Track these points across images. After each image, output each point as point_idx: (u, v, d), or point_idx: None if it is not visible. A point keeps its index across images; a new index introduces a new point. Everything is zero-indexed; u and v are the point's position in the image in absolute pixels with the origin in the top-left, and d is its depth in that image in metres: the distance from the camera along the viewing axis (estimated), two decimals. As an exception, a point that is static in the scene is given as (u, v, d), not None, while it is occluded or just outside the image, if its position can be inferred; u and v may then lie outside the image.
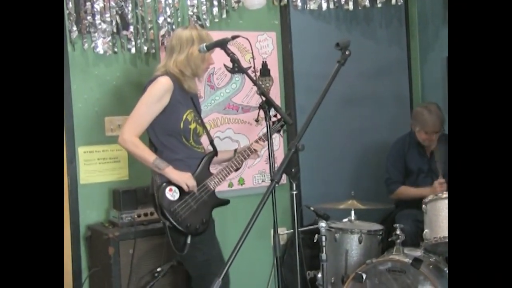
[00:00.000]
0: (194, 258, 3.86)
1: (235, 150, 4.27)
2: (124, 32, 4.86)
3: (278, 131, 4.25)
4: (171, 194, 3.83)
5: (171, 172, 3.82)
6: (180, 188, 3.85)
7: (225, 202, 4.10)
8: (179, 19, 5.08)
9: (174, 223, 3.80)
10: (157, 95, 3.82)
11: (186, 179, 3.84)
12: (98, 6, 4.73)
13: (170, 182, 3.83)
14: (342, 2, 5.59)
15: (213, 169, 4.16)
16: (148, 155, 3.83)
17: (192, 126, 3.95)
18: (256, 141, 4.20)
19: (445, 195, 4.42)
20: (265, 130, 3.59)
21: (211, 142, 4.18)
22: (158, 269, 4.34)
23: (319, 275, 4.41)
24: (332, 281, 4.49)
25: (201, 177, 3.95)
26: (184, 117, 3.90)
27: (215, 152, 4.12)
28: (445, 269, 4.28)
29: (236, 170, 4.17)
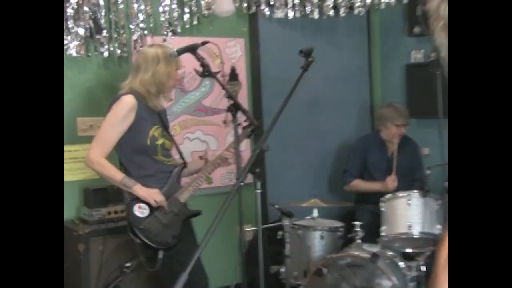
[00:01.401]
0: (171, 269, 3.74)
1: (206, 160, 4.22)
2: (97, 36, 4.80)
3: (248, 136, 4.20)
4: (140, 211, 3.75)
5: (139, 190, 3.74)
6: (149, 205, 3.78)
7: (196, 213, 4.04)
8: (151, 25, 5.06)
9: (145, 240, 3.73)
10: (122, 114, 3.73)
11: (152, 195, 3.76)
12: (72, 10, 4.66)
13: (139, 199, 3.76)
14: (308, 11, 5.62)
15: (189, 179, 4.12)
16: (115, 175, 3.75)
17: (160, 141, 3.86)
18: (227, 149, 4.16)
19: (402, 194, 4.56)
20: (233, 132, 3.61)
21: (180, 155, 4.13)
22: (127, 265, 4.26)
23: (283, 269, 4.45)
24: (295, 275, 4.49)
25: (171, 191, 3.88)
26: (151, 133, 3.81)
27: (184, 165, 4.06)
28: (401, 263, 4.32)
29: (207, 179, 4.13)
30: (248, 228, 4.92)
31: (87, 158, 3.79)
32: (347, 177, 5.46)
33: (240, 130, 4.05)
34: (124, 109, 3.72)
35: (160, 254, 3.73)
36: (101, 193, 4.65)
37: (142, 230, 3.73)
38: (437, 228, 4.42)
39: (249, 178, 3.08)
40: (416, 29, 5.77)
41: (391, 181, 5.07)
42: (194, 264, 2.76)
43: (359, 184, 5.37)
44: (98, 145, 3.75)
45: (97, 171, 3.81)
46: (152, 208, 3.78)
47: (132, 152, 3.82)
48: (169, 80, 3.85)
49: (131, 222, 3.75)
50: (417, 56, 5.99)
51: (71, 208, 4.84)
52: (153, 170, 3.86)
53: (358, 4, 5.69)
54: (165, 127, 4.00)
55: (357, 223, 4.41)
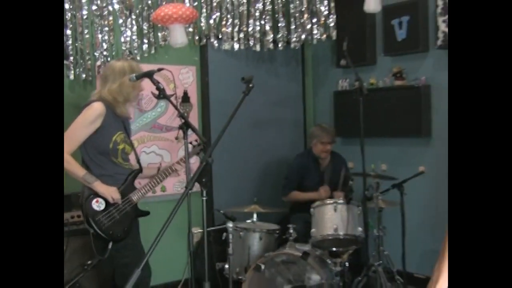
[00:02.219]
0: (117, 260, 3.76)
1: (159, 168, 4.19)
2: (65, 62, 4.73)
3: (197, 154, 4.20)
4: (97, 205, 3.70)
5: (99, 186, 3.69)
6: (106, 200, 3.73)
7: (145, 213, 4.01)
8: (114, 53, 5.02)
9: (98, 231, 3.69)
10: (90, 118, 3.67)
11: (111, 192, 3.72)
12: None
13: (97, 195, 3.70)
14: (251, 44, 5.63)
15: (140, 183, 4.06)
16: (78, 170, 3.67)
17: (121, 146, 3.82)
18: (178, 162, 4.12)
19: (329, 201, 4.60)
20: (184, 147, 3.58)
21: (138, 161, 4.07)
22: (88, 262, 4.21)
23: (226, 266, 4.41)
24: (237, 271, 4.49)
25: (126, 191, 3.83)
26: (114, 138, 3.76)
27: (140, 170, 4.01)
28: (328, 260, 4.37)
29: (157, 184, 4.08)
30: (196, 230, 4.95)
31: None
32: (286, 189, 5.41)
33: (190, 147, 4.05)
34: (94, 114, 3.67)
35: (110, 245, 3.69)
36: (65, 199, 4.43)
37: (96, 222, 3.68)
38: (359, 230, 4.47)
39: (197, 187, 3.07)
40: (342, 62, 5.78)
41: (324, 191, 5.11)
42: (141, 259, 2.77)
43: (296, 195, 5.33)
44: (66, 142, 3.64)
45: None
46: (107, 204, 3.73)
47: (95, 153, 3.75)
48: (134, 90, 3.80)
49: (87, 214, 3.69)
50: (343, 84, 6.03)
51: None
52: (112, 171, 3.80)
53: (293, 39, 5.76)
54: (127, 134, 3.94)
55: (291, 226, 4.47)
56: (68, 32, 4.71)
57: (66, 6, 4.71)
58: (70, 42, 4.73)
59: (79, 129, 3.69)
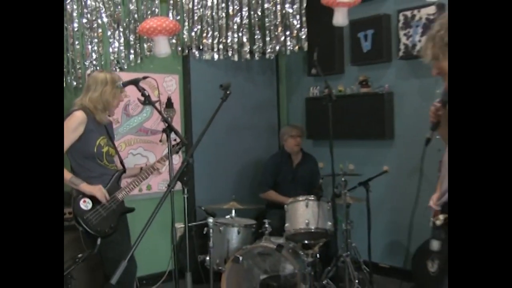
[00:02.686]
0: (106, 254, 3.74)
1: (141, 168, 4.16)
2: None
3: (177, 152, 4.20)
4: (85, 205, 3.66)
5: (84, 186, 3.66)
6: (92, 200, 3.70)
7: (131, 210, 3.97)
8: (102, 62, 5.00)
9: (86, 228, 3.66)
10: (73, 126, 3.62)
11: (96, 190, 3.69)
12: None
13: (84, 195, 3.67)
14: (230, 55, 5.63)
15: (124, 182, 4.05)
16: (65, 175, 3.64)
17: (105, 149, 3.78)
18: (158, 161, 4.10)
19: (301, 198, 4.57)
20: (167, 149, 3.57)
21: (121, 162, 4.05)
22: (79, 256, 4.16)
23: (207, 258, 4.38)
24: (217, 262, 4.46)
25: (112, 190, 3.79)
26: (97, 142, 3.73)
27: (124, 170, 3.99)
28: (301, 252, 4.36)
29: (140, 182, 4.04)
30: (179, 225, 4.93)
31: None
32: (262, 187, 5.41)
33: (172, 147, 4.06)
34: (75, 122, 3.63)
35: (98, 241, 3.65)
36: None
37: (84, 220, 3.65)
38: (328, 224, 4.46)
39: (179, 186, 3.07)
40: (313, 71, 5.71)
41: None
42: (127, 252, 2.78)
43: (271, 195, 5.34)
44: None
45: None
46: (94, 203, 3.70)
47: (81, 157, 3.72)
48: (114, 99, 3.77)
49: (76, 213, 3.67)
50: (314, 91, 6.05)
51: None
52: (98, 172, 3.77)
53: (268, 50, 5.77)
54: (110, 137, 3.92)
55: (266, 221, 4.42)
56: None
57: None
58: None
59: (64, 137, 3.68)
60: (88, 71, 4.84)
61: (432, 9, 4.86)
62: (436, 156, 2.74)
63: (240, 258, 4.17)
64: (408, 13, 5.06)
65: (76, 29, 4.80)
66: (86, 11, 4.87)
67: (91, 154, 3.72)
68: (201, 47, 5.50)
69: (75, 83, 4.79)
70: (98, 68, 4.88)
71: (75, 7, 4.79)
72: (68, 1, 4.74)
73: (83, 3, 4.85)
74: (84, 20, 4.86)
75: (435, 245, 2.35)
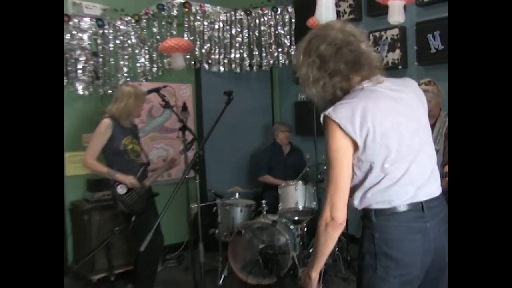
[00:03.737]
0: (138, 229, 3.75)
1: (164, 160, 4.16)
2: (96, 82, 4.76)
3: (191, 147, 4.14)
4: (120, 190, 3.70)
5: (119, 176, 3.70)
6: (126, 186, 3.74)
7: (156, 194, 3.99)
8: (132, 75, 5.01)
9: (123, 208, 3.71)
10: (102, 131, 3.68)
11: (129, 179, 3.73)
12: (80, 65, 4.64)
13: (120, 183, 3.72)
14: (233, 67, 5.57)
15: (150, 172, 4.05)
16: (102, 169, 3.70)
17: (129, 147, 3.78)
18: (174, 155, 4.13)
19: (292, 183, 4.57)
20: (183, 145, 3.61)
21: (146, 156, 4.05)
22: (116, 229, 4.21)
23: (216, 231, 4.45)
24: (224, 235, 4.48)
25: (140, 179, 3.83)
26: (123, 142, 3.75)
27: (148, 163, 4.01)
28: (291, 226, 4.37)
29: (163, 173, 4.06)
30: (193, 205, 4.98)
31: (83, 162, 3.75)
32: (260, 172, 5.35)
33: (186, 143, 4.11)
34: (103, 128, 3.68)
35: (133, 218, 3.72)
36: (97, 183, 4.58)
37: (121, 202, 3.70)
38: (313, 204, 4.47)
39: (193, 173, 3.11)
40: None
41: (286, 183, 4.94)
42: (154, 234, 2.81)
43: (268, 178, 5.28)
44: (89, 151, 3.70)
45: (90, 169, 3.79)
46: (128, 189, 3.74)
47: (112, 154, 3.74)
48: (135, 110, 3.80)
49: (114, 196, 3.71)
50: (301, 97, 5.85)
51: (79, 192, 4.77)
52: (127, 166, 3.79)
53: (264, 64, 5.70)
54: (135, 137, 3.92)
55: (263, 201, 4.47)
56: (100, 60, 4.75)
57: (98, 41, 4.73)
58: (100, 66, 4.76)
59: (96, 140, 3.71)
60: (120, 82, 4.86)
61: (395, 31, 4.87)
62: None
63: (243, 231, 4.21)
64: (377, 34, 5.07)
65: (111, 49, 4.84)
66: (119, 34, 4.89)
67: (119, 152, 3.74)
68: (209, 62, 5.47)
69: (110, 92, 4.81)
70: (128, 79, 4.89)
71: (111, 31, 4.83)
72: (106, 27, 4.78)
73: (117, 28, 4.89)
74: (118, 41, 4.89)
75: None
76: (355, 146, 1.74)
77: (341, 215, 1.75)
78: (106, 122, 3.71)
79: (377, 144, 1.73)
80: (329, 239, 1.79)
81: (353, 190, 1.83)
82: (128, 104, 3.73)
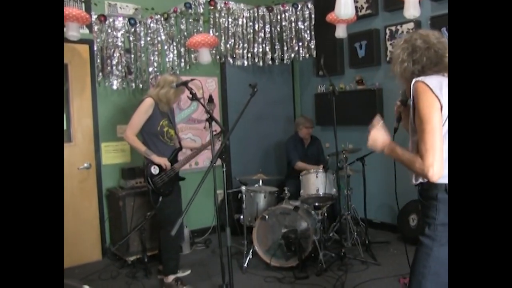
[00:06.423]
0: (163, 210, 3.78)
1: (192, 149, 4.15)
2: (129, 76, 4.78)
3: (218, 139, 4.13)
4: (154, 170, 3.72)
5: (155, 157, 3.72)
6: (159, 167, 3.75)
7: (183, 178, 4.00)
8: (161, 69, 5.02)
9: (153, 187, 3.71)
10: (144, 109, 3.69)
11: (164, 161, 3.75)
12: (114, 61, 4.68)
13: (153, 163, 3.73)
14: (256, 61, 5.52)
15: (181, 156, 4.06)
16: (141, 147, 3.72)
17: (165, 129, 3.79)
18: (202, 144, 4.14)
19: (313, 170, 4.55)
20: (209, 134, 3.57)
21: (179, 141, 4.08)
22: (148, 214, 4.29)
23: (242, 216, 4.42)
24: (249, 219, 4.48)
25: (172, 162, 3.84)
26: (161, 123, 3.76)
27: (180, 148, 4.04)
28: (312, 212, 4.34)
29: (191, 159, 4.05)
30: (220, 192, 4.96)
31: (124, 135, 3.74)
32: (293, 160, 5.21)
33: (214, 134, 4.11)
34: (146, 105, 3.69)
35: (160, 198, 3.73)
36: (131, 171, 4.62)
37: (153, 181, 3.71)
38: (333, 191, 4.46)
39: (219, 162, 3.10)
40: (320, 72, 5.68)
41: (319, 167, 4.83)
42: (180, 211, 2.70)
43: (301, 165, 5.11)
44: (131, 127, 3.69)
45: (130, 143, 3.74)
46: (161, 170, 3.75)
47: (149, 133, 3.75)
48: (175, 98, 3.82)
49: (147, 175, 3.70)
50: (321, 89, 5.95)
51: (114, 180, 4.82)
52: (161, 148, 3.79)
53: (286, 57, 5.65)
54: (170, 121, 3.92)
55: (286, 188, 4.43)
56: (132, 56, 4.77)
57: (131, 38, 4.75)
58: (132, 62, 4.78)
59: (138, 117, 3.69)
60: (151, 76, 4.87)
61: (411, 25, 4.81)
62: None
63: (266, 217, 4.21)
64: (393, 28, 5.02)
65: (142, 45, 4.86)
66: (149, 31, 4.92)
67: (156, 132, 3.74)
68: (234, 56, 5.45)
69: (141, 85, 4.86)
70: (158, 74, 4.90)
71: (142, 29, 4.85)
72: (137, 25, 4.79)
73: (148, 26, 4.91)
74: (148, 38, 4.91)
75: None
76: (441, 109, 1.94)
77: (439, 172, 1.90)
78: (149, 101, 3.72)
79: (445, 118, 1.95)
80: (412, 169, 1.99)
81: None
82: (169, 92, 3.74)
